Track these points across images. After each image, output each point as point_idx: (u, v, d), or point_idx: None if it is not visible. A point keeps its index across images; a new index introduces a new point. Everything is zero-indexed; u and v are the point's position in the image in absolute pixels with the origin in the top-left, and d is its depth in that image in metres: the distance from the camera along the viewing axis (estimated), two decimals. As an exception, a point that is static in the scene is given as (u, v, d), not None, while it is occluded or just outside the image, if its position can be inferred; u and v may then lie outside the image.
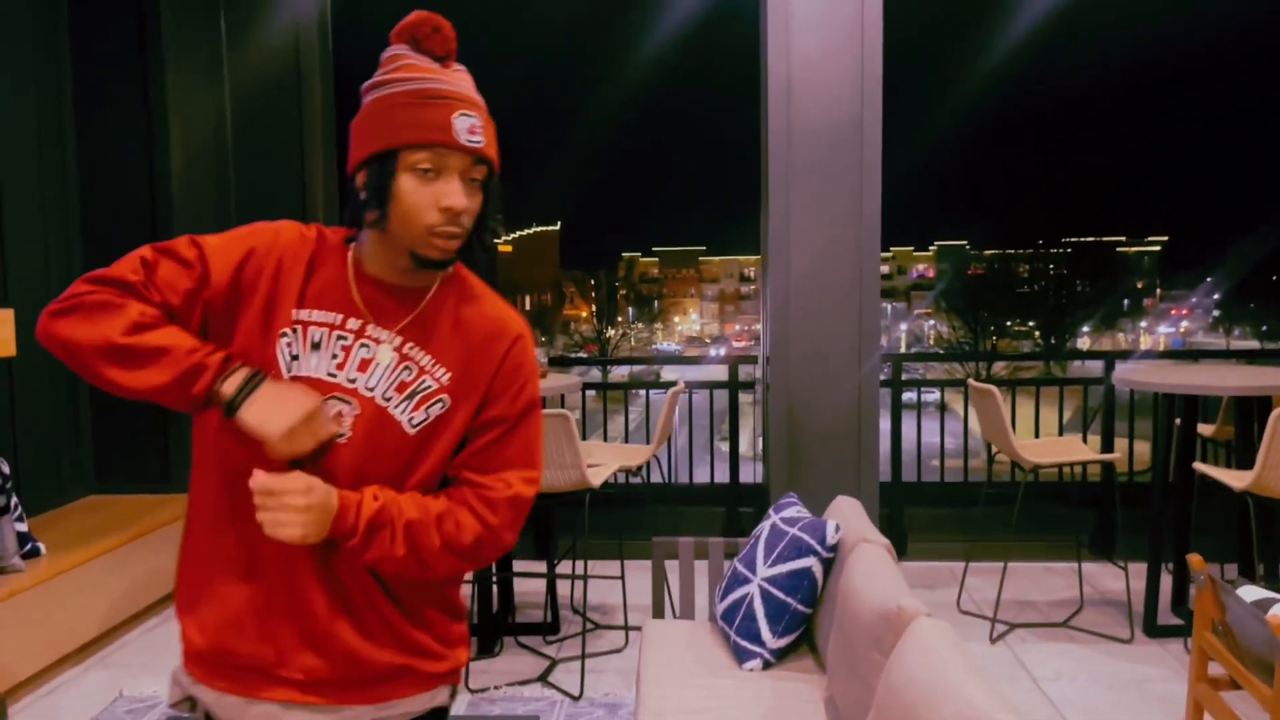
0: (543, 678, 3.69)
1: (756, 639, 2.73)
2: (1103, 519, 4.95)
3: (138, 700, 3.49)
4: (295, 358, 1.41)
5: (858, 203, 4.55)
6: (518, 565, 4.29)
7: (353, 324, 1.43)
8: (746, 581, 2.84)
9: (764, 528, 2.96)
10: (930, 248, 76.87)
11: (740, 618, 2.79)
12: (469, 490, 1.45)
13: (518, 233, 72.07)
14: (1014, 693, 3.50)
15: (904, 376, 5.41)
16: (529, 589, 4.56)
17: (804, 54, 4.55)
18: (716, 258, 79.56)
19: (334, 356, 1.42)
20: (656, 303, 77.17)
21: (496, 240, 1.52)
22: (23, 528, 3.74)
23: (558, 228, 74.54)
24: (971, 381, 4.15)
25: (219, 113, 5.05)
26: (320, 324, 1.42)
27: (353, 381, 1.42)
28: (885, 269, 76.75)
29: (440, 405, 1.44)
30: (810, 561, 2.75)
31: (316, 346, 1.41)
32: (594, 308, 73.78)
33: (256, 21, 5.13)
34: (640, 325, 74.25)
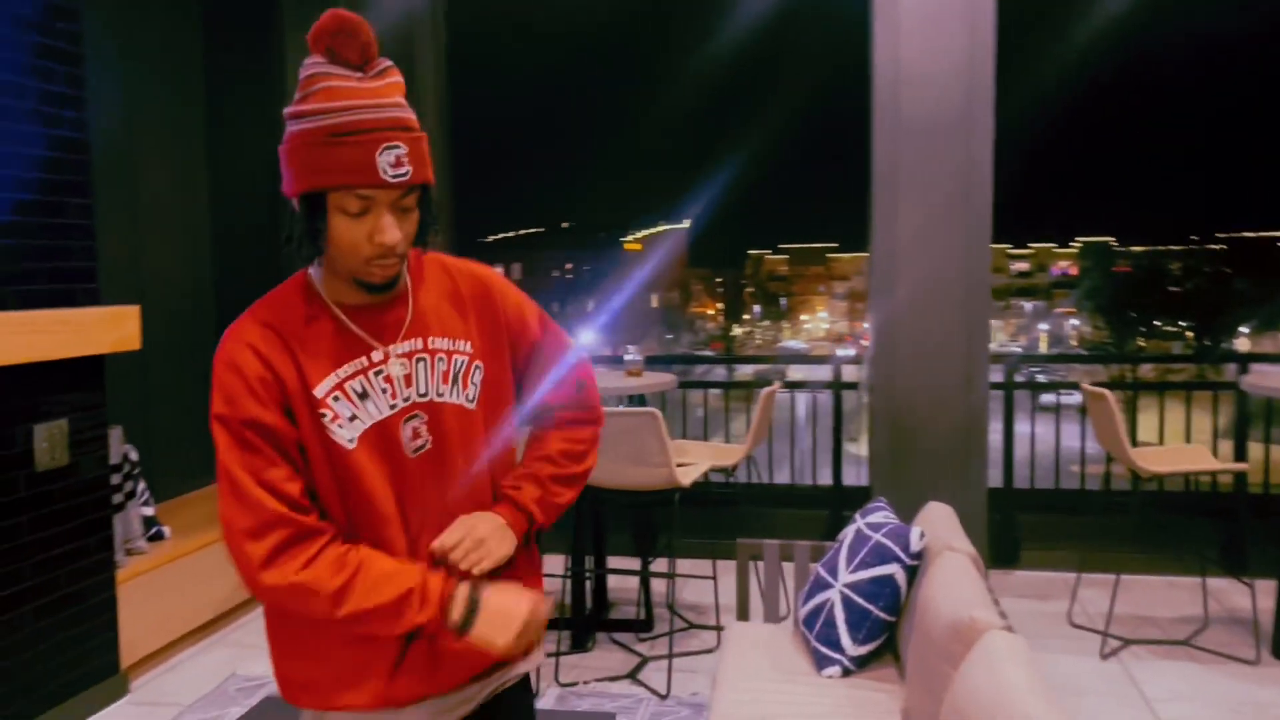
0: (632, 675, 3.71)
1: (836, 646, 2.68)
2: (1233, 532, 4.66)
3: (248, 679, 3.67)
4: (354, 418, 1.43)
5: (966, 200, 4.40)
6: (612, 562, 4.31)
7: (376, 356, 1.46)
8: (828, 587, 2.79)
9: (848, 532, 2.90)
10: (1073, 244, 73.67)
11: (820, 623, 2.74)
12: (557, 421, 1.67)
13: (645, 231, 72.49)
14: (1122, 713, 3.33)
15: (1043, 379, 5.18)
16: (628, 585, 4.59)
17: (911, 48, 4.43)
18: (846, 255, 78.22)
19: (384, 391, 1.46)
20: (784, 300, 76.46)
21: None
22: (149, 512, 3.98)
23: (685, 225, 74.63)
24: (1084, 385, 3.97)
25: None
26: (347, 381, 1.44)
27: (407, 400, 1.47)
28: (1024, 266, 74.06)
29: (479, 371, 1.55)
30: (893, 568, 2.68)
31: (364, 396, 1.44)
32: (721, 305, 73.62)
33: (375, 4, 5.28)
34: (767, 323, 73.72)
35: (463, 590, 1.41)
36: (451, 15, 5.62)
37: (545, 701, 3.48)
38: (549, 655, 3.82)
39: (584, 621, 4.04)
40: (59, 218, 3.30)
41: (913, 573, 2.68)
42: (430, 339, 1.51)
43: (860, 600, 2.69)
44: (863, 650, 2.67)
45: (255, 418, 1.38)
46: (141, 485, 3.92)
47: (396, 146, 1.35)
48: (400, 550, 1.45)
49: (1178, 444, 4.27)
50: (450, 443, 1.50)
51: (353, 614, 1.37)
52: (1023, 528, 4.92)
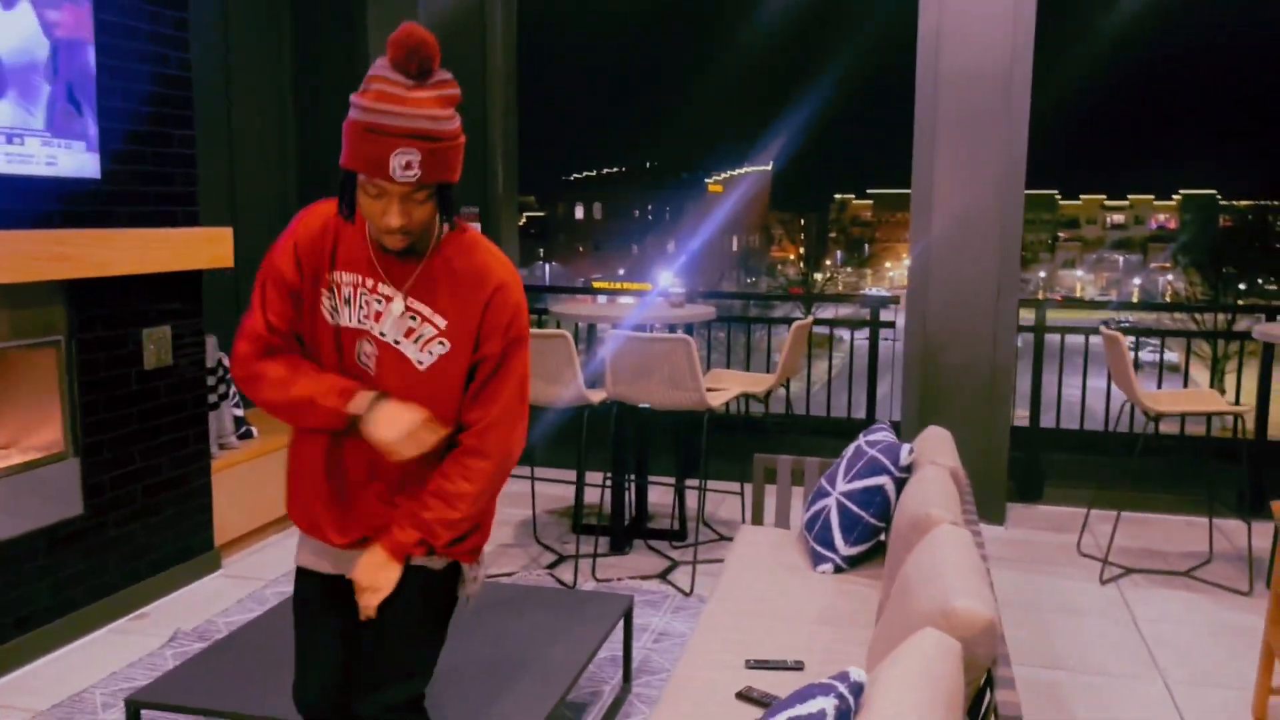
0: (662, 575, 4.10)
1: (830, 545, 3.01)
2: (1249, 476, 4.83)
3: (323, 562, 4.16)
4: (335, 311, 1.83)
5: (1002, 149, 4.58)
6: (654, 480, 4.69)
7: (369, 283, 1.82)
8: (827, 495, 3.12)
9: (850, 449, 3.21)
10: (1174, 196, 70.94)
11: (818, 527, 3.07)
12: (457, 454, 1.84)
13: (728, 173, 71.91)
14: (1109, 629, 3.60)
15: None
16: (668, 501, 4.96)
17: (954, 2, 4.59)
18: (933, 202, 76.45)
19: (361, 308, 1.82)
20: (867, 246, 75.28)
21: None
22: (239, 413, 4.47)
23: (769, 168, 73.84)
24: (1102, 328, 4.17)
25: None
26: (352, 284, 1.82)
27: (372, 329, 1.82)
28: (1120, 218, 71.70)
29: (441, 346, 1.81)
30: (883, 480, 2.99)
31: (348, 302, 1.83)
32: (802, 250, 72.87)
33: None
34: (849, 270, 72.81)
35: (368, 394, 1.80)
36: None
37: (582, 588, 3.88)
38: (588, 555, 4.23)
39: (622, 528, 4.43)
40: (165, 147, 3.73)
41: (901, 484, 2.98)
42: (417, 300, 1.80)
43: (853, 507, 3.01)
44: (853, 551, 2.99)
45: (281, 270, 1.84)
46: (233, 389, 4.40)
47: (410, 153, 1.62)
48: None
49: (1195, 389, 4.45)
50: (387, 383, 1.82)
51: (291, 399, 1.83)
52: (1046, 465, 5.15)
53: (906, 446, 3.03)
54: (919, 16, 4.67)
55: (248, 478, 4.31)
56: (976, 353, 4.74)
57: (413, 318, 1.81)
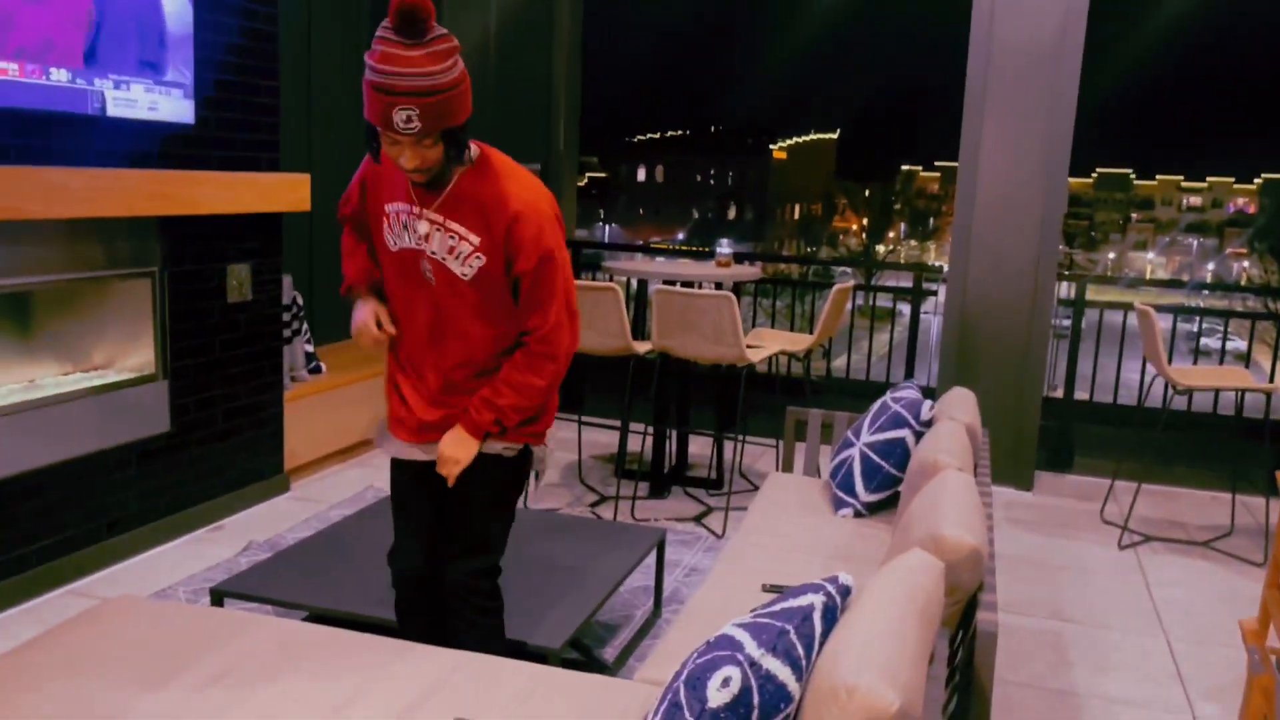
0: (697, 519, 4.35)
1: (851, 491, 3.22)
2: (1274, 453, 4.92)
3: (381, 491, 4.47)
4: (397, 237, 2.17)
5: (1048, 124, 4.69)
6: (696, 434, 4.92)
7: (414, 209, 2.13)
8: (851, 445, 3.32)
9: (876, 404, 3.40)
10: (1255, 180, 68.77)
11: (842, 474, 3.29)
12: (527, 353, 2.17)
13: (794, 139, 71.22)
14: (1120, 589, 3.77)
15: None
16: (709, 453, 5.20)
17: (1011, -26, 4.68)
18: (1002, 177, 74.97)
19: (412, 231, 2.15)
20: (932, 220, 74.20)
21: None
22: (310, 349, 4.78)
23: (835, 136, 73.00)
24: (1137, 303, 4.29)
25: (485, 32, 5.85)
26: (400, 212, 2.15)
27: (424, 248, 2.15)
28: (1197, 201, 69.76)
29: (479, 260, 2.11)
30: (904, 433, 3.19)
31: (406, 228, 2.15)
32: (865, 221, 72.08)
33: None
34: (913, 243, 71.90)
35: (359, 290, 2.32)
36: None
37: (620, 530, 4.15)
38: (629, 497, 4.49)
39: (662, 475, 4.67)
40: (252, 96, 4.01)
41: (921, 437, 3.18)
42: (449, 220, 2.10)
43: (875, 457, 3.22)
44: (873, 498, 3.20)
45: (353, 184, 2.31)
46: (305, 326, 4.72)
47: (409, 109, 1.89)
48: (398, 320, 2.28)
49: (1225, 367, 4.55)
50: (444, 290, 2.15)
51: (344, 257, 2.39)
52: (1078, 436, 5.29)
53: (928, 403, 3.22)
54: (975, -8, 4.78)
55: (316, 409, 4.63)
56: (1014, 323, 4.88)
57: (452, 237, 2.11)
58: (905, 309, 6.22)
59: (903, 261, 66.22)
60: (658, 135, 72.29)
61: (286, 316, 4.49)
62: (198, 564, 3.62)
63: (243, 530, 3.97)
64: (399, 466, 2.36)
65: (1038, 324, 4.82)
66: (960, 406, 3.20)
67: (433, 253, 2.13)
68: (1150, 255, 67.14)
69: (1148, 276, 59.90)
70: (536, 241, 2.09)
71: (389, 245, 2.19)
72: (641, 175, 68.77)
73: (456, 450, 2.20)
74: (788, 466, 3.79)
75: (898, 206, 72.99)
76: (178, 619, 2.21)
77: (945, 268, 5.14)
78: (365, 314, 2.25)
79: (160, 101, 3.46)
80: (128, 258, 3.54)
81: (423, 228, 2.12)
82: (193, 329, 3.83)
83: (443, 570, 2.31)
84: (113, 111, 3.28)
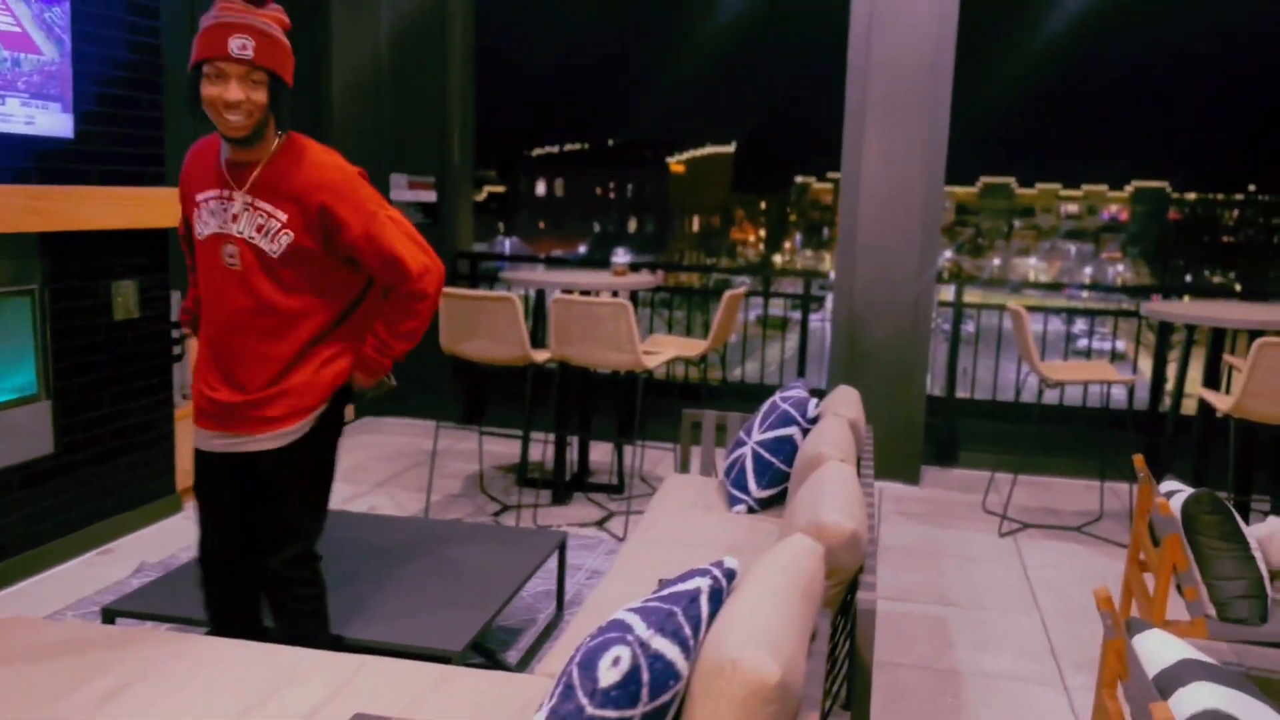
0: (599, 523, 4.42)
1: (744, 489, 3.34)
2: (1145, 443, 5.24)
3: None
4: (205, 224, 2.26)
5: (925, 138, 4.92)
6: (597, 441, 4.99)
7: (224, 193, 2.23)
8: (743, 444, 3.44)
9: (766, 404, 3.53)
10: (1127, 188, 72.36)
11: (735, 472, 3.40)
12: (397, 299, 2.32)
13: (690, 153, 72.12)
14: (1002, 573, 3.98)
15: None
16: (609, 459, 5.28)
17: (885, -8, 4.91)
18: (892, 187, 77.29)
19: (220, 216, 2.24)
20: (826, 230, 76.02)
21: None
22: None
23: (731, 149, 74.19)
24: (1009, 303, 4.53)
25: (375, 46, 5.85)
26: (210, 199, 2.25)
27: (231, 230, 2.23)
28: (1074, 209, 72.97)
29: (287, 236, 2.21)
30: (792, 430, 3.33)
31: (213, 214, 2.24)
32: (762, 232, 73.42)
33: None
34: (809, 252, 73.54)
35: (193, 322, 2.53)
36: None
37: (522, 537, 4.19)
38: (530, 505, 4.54)
39: (564, 482, 4.74)
40: (134, 110, 3.95)
41: (807, 434, 3.31)
42: (258, 199, 2.20)
43: (765, 454, 3.34)
44: (764, 494, 3.32)
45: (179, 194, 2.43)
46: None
47: (245, 37, 2.07)
48: (204, 323, 2.39)
49: (1091, 361, 4.84)
50: (251, 271, 2.23)
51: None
52: (961, 431, 5.54)
53: (814, 401, 3.36)
54: (851, 3, 4.99)
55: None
56: (898, 325, 5.10)
57: (260, 215, 2.21)
58: (813, 319, 6.41)
59: (799, 269, 67.56)
60: (556, 149, 72.41)
61: (176, 334, 4.41)
62: (89, 586, 3.54)
63: (133, 552, 3.88)
64: (203, 459, 2.39)
65: (920, 326, 5.05)
66: (844, 403, 3.35)
67: (240, 232, 2.21)
68: (1033, 260, 70.04)
69: (1030, 280, 62.48)
70: (355, 209, 2.21)
71: (198, 234, 2.28)
72: (541, 189, 68.80)
73: (368, 380, 2.38)
74: (684, 468, 3.89)
75: (793, 218, 74.62)
76: (72, 636, 2.19)
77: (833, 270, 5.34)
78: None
79: (38, 115, 3.39)
80: (6, 275, 3.45)
81: (233, 209, 2.22)
82: (78, 347, 3.74)
83: (256, 560, 2.36)
84: (-13, 126, 3.20)
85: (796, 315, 6.40)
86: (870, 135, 5.00)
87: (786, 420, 3.35)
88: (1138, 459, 3.20)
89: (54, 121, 3.47)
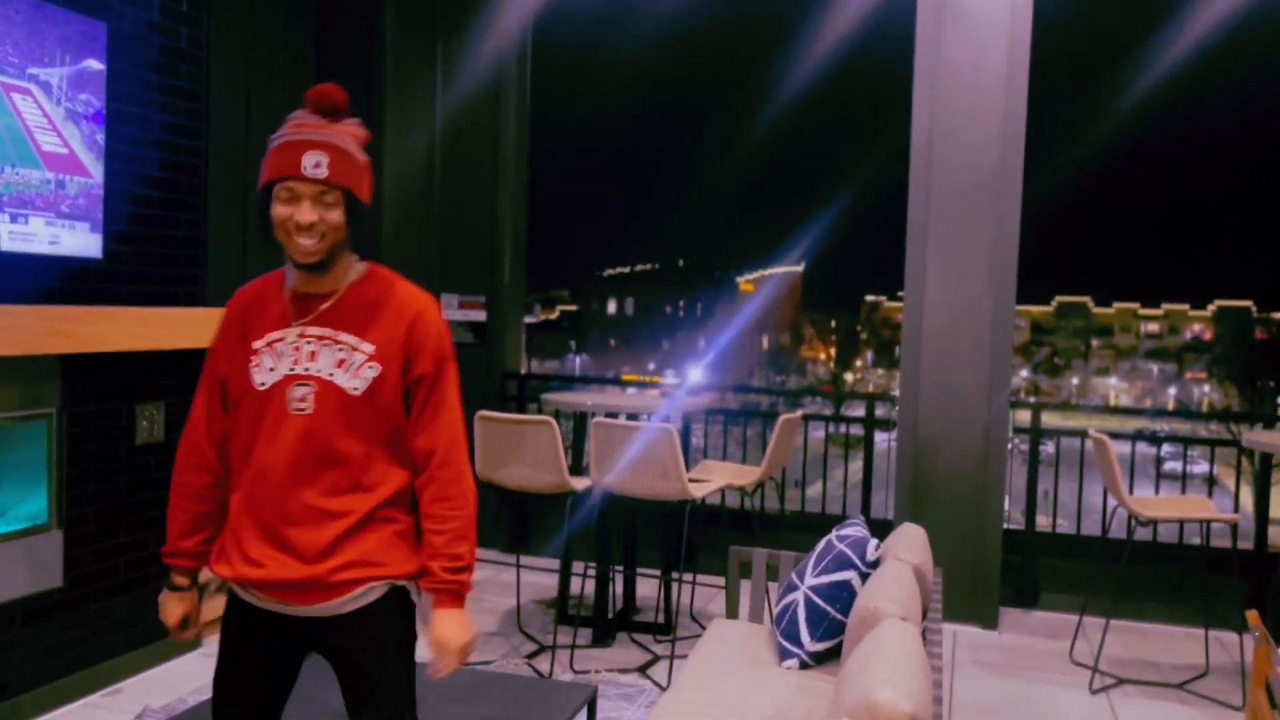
0: (642, 669, 4.05)
1: (796, 640, 2.98)
2: (1249, 589, 4.72)
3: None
4: (272, 369, 1.95)
5: (992, 257, 4.64)
6: (641, 571, 4.66)
7: (294, 332, 1.95)
8: (795, 589, 3.09)
9: (822, 543, 3.19)
10: (1209, 307, 70.58)
11: (786, 621, 3.05)
12: (436, 491, 1.95)
13: (759, 272, 72.67)
14: (1092, 740, 3.50)
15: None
16: (655, 593, 4.92)
17: (944, 108, 4.71)
18: (965, 306, 76.54)
19: (290, 357, 1.94)
20: (898, 349, 75.23)
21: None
22: (232, 491, 4.51)
23: (800, 268, 74.55)
24: (1091, 431, 4.15)
25: (429, 146, 5.82)
26: (275, 341, 1.96)
27: (306, 370, 1.94)
28: (1155, 328, 71.31)
29: (372, 369, 1.92)
30: (850, 575, 2.97)
31: (282, 355, 1.95)
32: (832, 350, 73.04)
33: (465, 61, 5.84)
34: (880, 371, 72.73)
35: (181, 564, 2.07)
36: (545, 57, 6.16)
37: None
38: (568, 646, 4.20)
39: (606, 620, 4.39)
40: (170, 230, 3.87)
41: (866, 579, 2.96)
42: (338, 331, 1.93)
43: (820, 601, 2.99)
44: (819, 646, 2.96)
45: (214, 366, 2.05)
46: (227, 467, 4.46)
47: (319, 155, 1.87)
48: (241, 485, 1.97)
49: (1188, 496, 4.40)
50: (324, 415, 1.91)
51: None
52: (1042, 569, 5.07)
53: (874, 541, 3.01)
54: (912, 125, 4.80)
55: (235, 556, 4.34)
56: (967, 453, 4.73)
57: (340, 349, 1.93)
58: (880, 437, 6.05)
59: (871, 390, 66.70)
60: (628, 269, 73.60)
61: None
62: (85, 734, 3.29)
63: (144, 693, 3.63)
64: (245, 611, 1.98)
65: (993, 454, 4.67)
66: (909, 545, 2.99)
67: (317, 371, 1.92)
68: (1113, 380, 68.15)
69: (1111, 402, 60.67)
70: (439, 342, 1.97)
71: (258, 385, 1.95)
72: (612, 308, 69.75)
73: (460, 634, 1.96)
74: (732, 612, 3.54)
75: (864, 335, 74.14)
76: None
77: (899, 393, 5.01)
78: (174, 615, 2.06)
79: (63, 235, 3.31)
80: (22, 399, 3.33)
81: (309, 346, 1.93)
82: (95, 473, 3.58)
83: None
84: (7, 246, 3.12)
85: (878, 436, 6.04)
86: (933, 251, 4.74)
87: (843, 563, 3.00)
88: (1252, 616, 2.78)
89: (81, 241, 3.39)
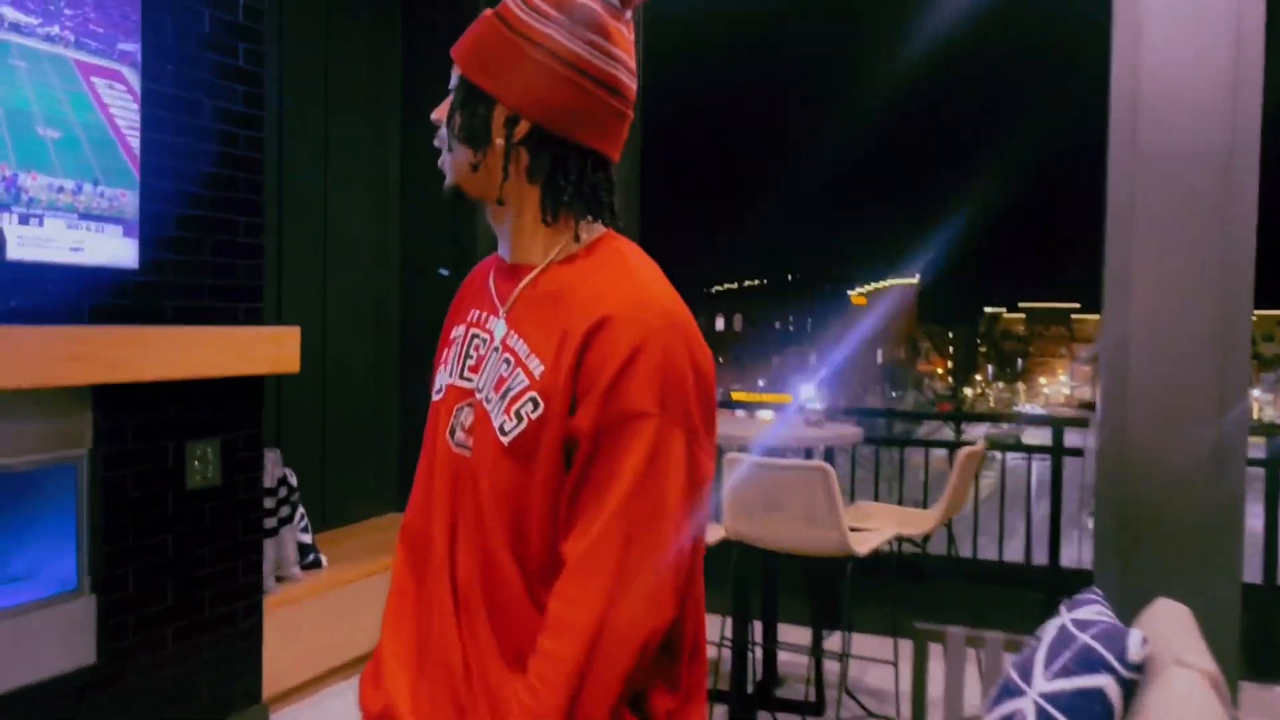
0: (793, 766, 3.27)
1: (1026, 770, 2.16)
2: None
3: None
4: (441, 375, 1.29)
5: (1221, 240, 3.72)
6: (785, 632, 3.88)
7: (481, 316, 1.25)
8: (1020, 694, 2.27)
9: (1051, 628, 2.37)
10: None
11: (1008, 738, 2.23)
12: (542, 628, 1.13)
13: (872, 285, 70.92)
14: None
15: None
16: (802, 660, 4.13)
17: (1156, 67, 3.82)
18: (1092, 316, 73.23)
19: (467, 357, 1.24)
20: (1020, 361, 72.55)
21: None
22: (307, 539, 3.92)
23: (915, 280, 72.43)
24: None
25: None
26: (460, 333, 1.28)
27: (469, 382, 1.22)
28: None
29: (531, 405, 1.14)
30: (1103, 680, 2.14)
31: (456, 356, 1.28)
32: (950, 364, 70.71)
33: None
34: (1001, 385, 70.02)
35: None
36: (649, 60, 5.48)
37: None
38: (701, 732, 3.43)
39: (744, 696, 3.62)
40: (225, 235, 3.29)
41: (1130, 689, 2.12)
42: (513, 334, 1.20)
43: (1060, 716, 2.16)
44: (1061, 780, 2.13)
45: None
46: (299, 511, 3.86)
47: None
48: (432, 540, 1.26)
49: None
50: (486, 467, 1.18)
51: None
52: (1289, 635, 4.09)
53: (1138, 634, 2.17)
54: (1111, 87, 3.92)
55: (309, 616, 3.73)
56: (1188, 484, 3.79)
57: (506, 361, 1.18)
58: (994, 454, 5.13)
59: (992, 405, 64.12)
60: (735, 285, 72.86)
61: (272, 502, 3.65)
62: None
63: (194, 789, 3.02)
64: None
65: (1228, 487, 3.72)
66: (1183, 637, 2.15)
67: (480, 389, 1.20)
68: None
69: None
70: (618, 381, 1.10)
71: (433, 395, 1.31)
72: (720, 324, 69.06)
73: None
74: (919, 707, 2.73)
75: (983, 349, 71.51)
76: None
77: (1097, 412, 4.12)
78: None
79: (88, 240, 2.73)
80: (45, 440, 2.76)
81: (487, 344, 1.23)
82: (136, 525, 2.99)
83: None
84: (14, 254, 2.54)
85: (1012, 458, 5.14)
86: (1141, 239, 3.83)
87: (1091, 663, 2.17)
88: None
89: (112, 248, 2.81)
